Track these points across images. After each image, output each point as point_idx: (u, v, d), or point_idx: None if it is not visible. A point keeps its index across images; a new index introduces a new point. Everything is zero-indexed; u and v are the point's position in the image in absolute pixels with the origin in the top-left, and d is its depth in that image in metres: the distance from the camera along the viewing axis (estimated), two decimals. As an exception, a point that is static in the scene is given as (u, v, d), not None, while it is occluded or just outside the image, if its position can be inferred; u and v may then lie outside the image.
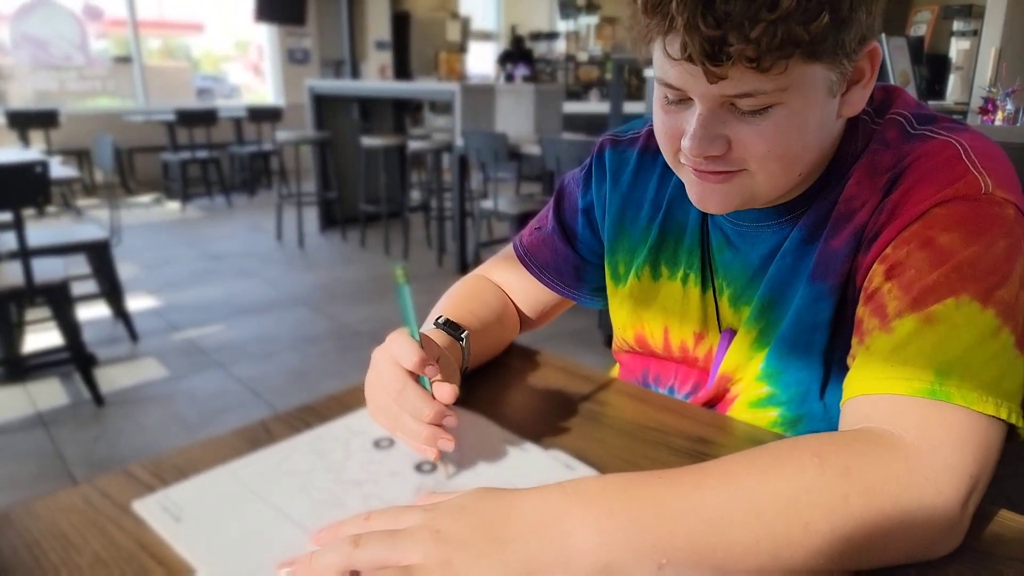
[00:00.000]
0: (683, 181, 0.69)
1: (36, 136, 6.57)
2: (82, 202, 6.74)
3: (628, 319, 0.85)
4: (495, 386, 0.80)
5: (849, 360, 0.61)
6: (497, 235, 5.07)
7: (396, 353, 0.62)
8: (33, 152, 4.27)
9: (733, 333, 0.76)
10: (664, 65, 0.60)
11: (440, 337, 0.73)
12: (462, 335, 0.74)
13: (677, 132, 0.64)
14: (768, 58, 0.53)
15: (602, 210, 0.86)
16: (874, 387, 0.54)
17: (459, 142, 4.24)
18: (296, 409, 0.73)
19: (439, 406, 0.60)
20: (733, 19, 0.52)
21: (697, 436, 0.68)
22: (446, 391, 0.61)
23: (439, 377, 0.63)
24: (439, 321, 0.76)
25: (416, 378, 0.62)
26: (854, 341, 0.61)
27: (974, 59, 3.61)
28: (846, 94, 0.62)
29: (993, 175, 0.59)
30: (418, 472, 0.62)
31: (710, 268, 0.78)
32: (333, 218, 5.66)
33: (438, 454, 0.61)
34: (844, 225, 0.65)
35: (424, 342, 0.62)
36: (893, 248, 0.60)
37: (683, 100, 0.62)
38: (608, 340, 3.52)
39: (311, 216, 5.66)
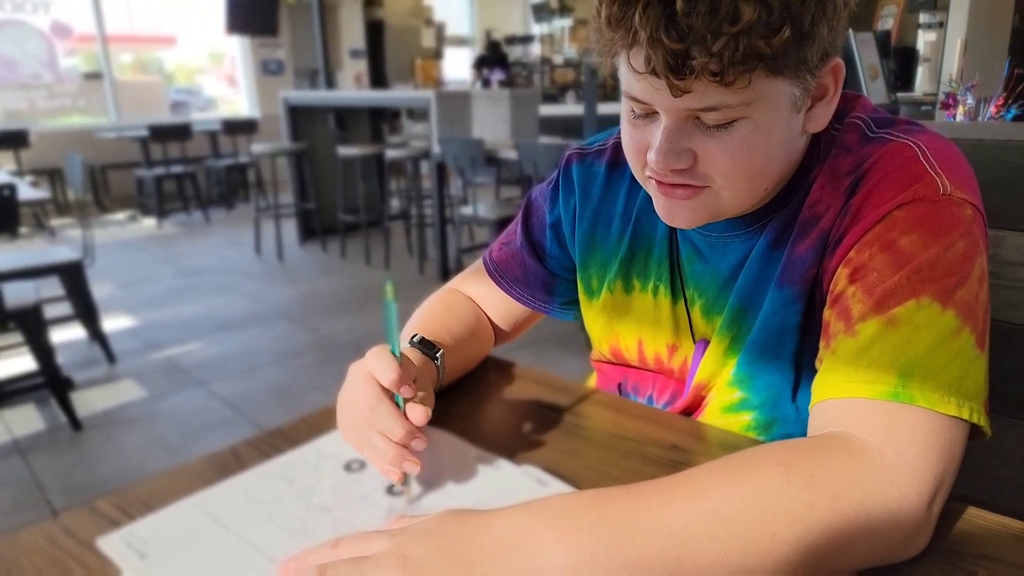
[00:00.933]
0: (650, 195, 0.70)
1: (6, 157, 6.48)
2: (55, 221, 6.64)
3: (603, 332, 0.85)
4: (469, 401, 0.79)
5: (817, 363, 0.62)
6: (478, 240, 5.06)
7: (374, 369, 0.61)
8: (0, 174, 4.20)
9: (707, 343, 0.76)
10: (630, 79, 0.60)
11: (415, 356, 0.73)
12: (437, 354, 0.74)
13: (644, 146, 0.64)
14: (731, 72, 0.54)
15: (571, 225, 0.85)
16: (839, 391, 0.55)
17: (436, 149, 4.23)
18: (266, 433, 0.72)
19: (410, 427, 0.60)
20: (696, 32, 0.52)
21: (670, 444, 0.68)
22: (418, 413, 0.60)
23: (414, 397, 0.62)
24: (414, 340, 0.76)
25: (391, 396, 0.61)
26: (821, 344, 0.62)
27: (941, 50, 3.66)
28: (811, 110, 0.62)
29: (951, 176, 0.60)
30: (389, 495, 0.61)
31: (680, 279, 0.78)
32: (312, 229, 5.62)
33: (401, 476, 0.60)
34: (809, 230, 0.66)
35: (403, 361, 0.62)
36: (856, 251, 0.60)
37: (649, 114, 0.62)
38: (591, 344, 3.52)
39: (290, 228, 5.62)
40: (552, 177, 0.88)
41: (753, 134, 0.59)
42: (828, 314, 0.62)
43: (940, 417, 0.51)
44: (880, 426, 0.51)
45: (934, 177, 0.59)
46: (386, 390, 0.61)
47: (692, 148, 0.61)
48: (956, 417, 0.51)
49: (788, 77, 0.57)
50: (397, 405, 0.61)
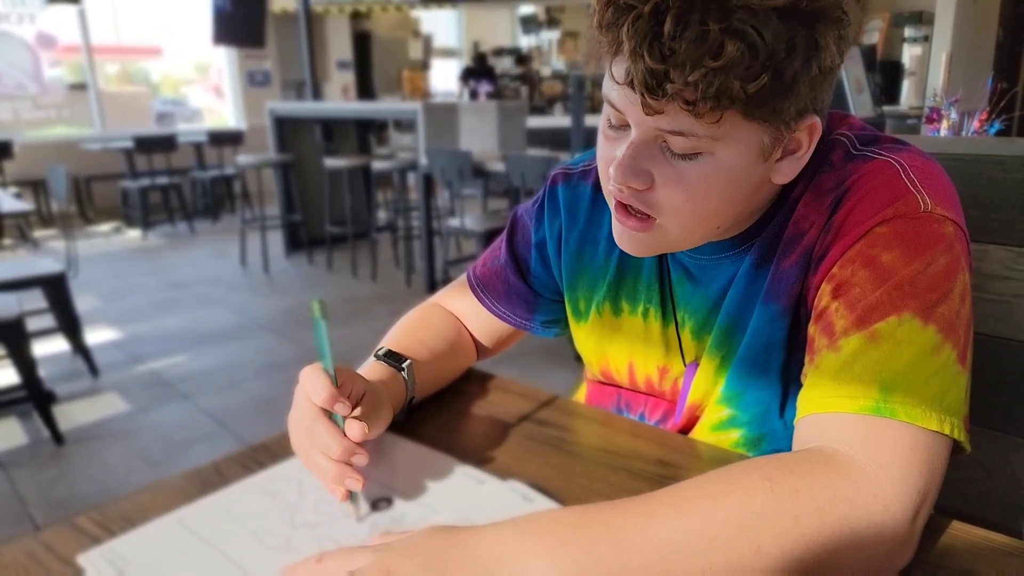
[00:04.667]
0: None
1: (-10, 168, 6.42)
2: (39, 233, 6.58)
3: (593, 354, 0.85)
4: (454, 415, 0.79)
5: (802, 378, 0.62)
6: (465, 252, 5.06)
7: (307, 388, 0.60)
8: (-15, 185, 4.16)
9: (697, 365, 0.76)
10: (610, 84, 0.61)
11: (381, 369, 0.73)
12: (403, 364, 0.73)
13: (613, 159, 0.64)
14: (704, 104, 0.54)
15: (556, 247, 0.85)
16: (823, 406, 0.55)
17: (423, 161, 4.24)
18: (249, 448, 0.71)
19: (347, 443, 0.59)
20: (677, 57, 0.52)
21: (657, 459, 0.68)
22: (355, 429, 0.59)
23: (353, 413, 0.61)
24: (379, 352, 0.75)
25: (329, 414, 0.61)
26: (807, 360, 0.62)
27: (926, 64, 3.71)
28: (780, 161, 0.62)
29: (932, 193, 0.60)
30: (373, 510, 0.61)
31: (672, 302, 0.78)
32: (298, 241, 5.60)
33: (346, 494, 0.60)
34: (794, 247, 0.66)
35: (341, 377, 0.61)
36: (839, 267, 0.61)
37: (623, 127, 0.63)
38: (579, 357, 3.52)
39: (276, 240, 5.59)
40: (538, 197, 0.88)
41: (714, 172, 0.60)
42: (812, 329, 0.62)
43: (922, 432, 0.51)
44: (863, 440, 0.51)
45: (915, 194, 0.60)
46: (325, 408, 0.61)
47: (652, 172, 0.61)
48: (938, 432, 0.51)
49: (761, 123, 0.57)
50: (337, 423, 0.60)
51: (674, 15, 0.52)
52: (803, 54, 0.54)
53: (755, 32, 0.51)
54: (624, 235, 0.67)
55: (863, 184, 0.62)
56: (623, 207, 0.65)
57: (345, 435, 0.59)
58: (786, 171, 0.63)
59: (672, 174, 0.60)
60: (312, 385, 0.60)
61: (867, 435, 0.51)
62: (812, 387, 0.57)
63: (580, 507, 0.50)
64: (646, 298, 0.78)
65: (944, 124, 1.66)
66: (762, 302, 0.69)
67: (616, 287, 0.80)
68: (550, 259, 0.86)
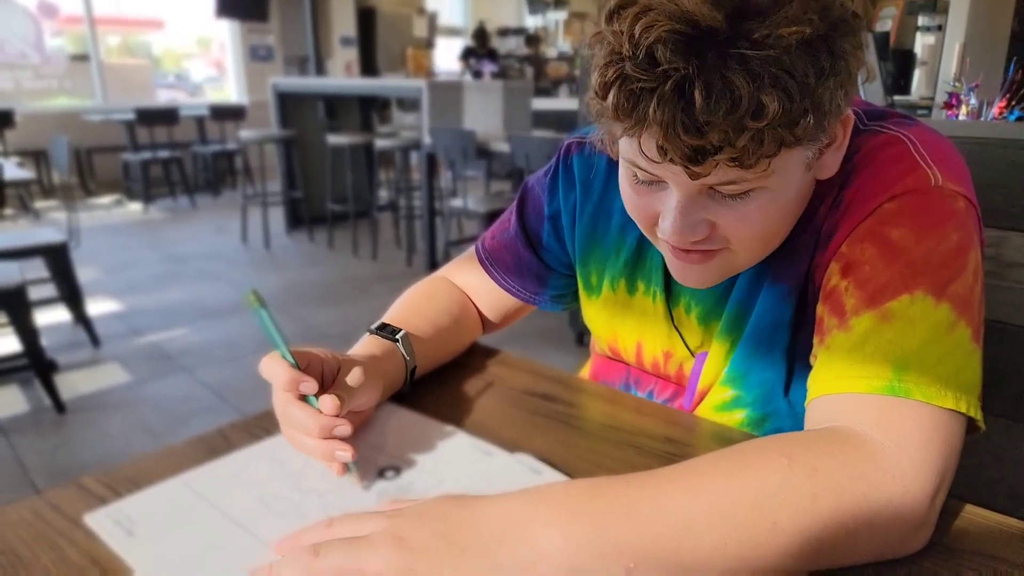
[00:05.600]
0: (662, 253, 0.68)
1: (-9, 137, 6.39)
2: (40, 204, 6.56)
3: (603, 330, 0.84)
4: (458, 388, 0.79)
5: (812, 359, 0.61)
6: (467, 233, 5.05)
7: (269, 379, 0.60)
8: (-14, 153, 4.14)
9: (705, 355, 0.75)
10: (635, 153, 0.57)
11: (374, 343, 0.72)
12: (397, 336, 0.73)
13: (652, 213, 0.63)
14: (753, 158, 0.52)
15: (571, 219, 0.83)
16: (835, 386, 0.54)
17: (427, 140, 4.21)
18: (255, 416, 0.71)
19: (324, 420, 0.58)
20: (715, 127, 0.49)
21: (664, 436, 0.68)
22: (328, 403, 0.58)
23: (318, 391, 0.60)
24: (372, 327, 0.75)
25: (302, 396, 0.60)
26: (815, 340, 0.61)
27: (939, 54, 3.67)
28: (820, 158, 0.60)
29: (943, 168, 0.59)
30: (381, 479, 0.61)
31: (680, 285, 0.76)
32: (300, 218, 5.58)
33: (342, 467, 0.59)
34: (803, 226, 0.65)
35: (302, 360, 0.60)
36: (848, 245, 0.60)
37: (656, 181, 0.60)
38: (579, 338, 3.52)
39: (277, 216, 5.57)
40: (550, 167, 0.86)
41: (770, 202, 0.58)
42: (821, 309, 0.61)
43: (938, 411, 0.50)
44: (879, 421, 0.50)
45: (926, 169, 0.59)
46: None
47: (708, 218, 0.59)
48: (954, 410, 0.51)
49: (806, 146, 0.55)
50: (311, 403, 0.60)
51: (700, 87, 0.48)
52: (831, 72, 0.51)
53: (786, 74, 0.49)
54: (685, 270, 0.65)
55: (872, 159, 0.61)
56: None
57: (321, 412, 0.59)
58: (829, 165, 0.61)
59: (730, 215, 0.59)
60: (272, 374, 0.60)
61: (883, 415, 0.50)
62: (823, 368, 0.57)
63: (592, 479, 0.49)
64: (656, 280, 0.77)
65: (963, 110, 1.64)
66: (769, 282, 0.68)
67: (634, 265, 0.79)
68: (564, 232, 0.84)
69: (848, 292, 0.58)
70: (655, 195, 0.61)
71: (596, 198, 0.81)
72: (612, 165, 0.79)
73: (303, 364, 0.60)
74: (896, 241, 0.57)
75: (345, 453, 0.58)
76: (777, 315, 0.67)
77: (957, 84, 1.75)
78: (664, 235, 0.61)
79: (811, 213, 0.65)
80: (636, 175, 0.61)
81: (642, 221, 0.65)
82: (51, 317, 3.39)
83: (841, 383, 0.54)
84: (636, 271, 0.79)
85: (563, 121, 5.63)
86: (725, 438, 0.68)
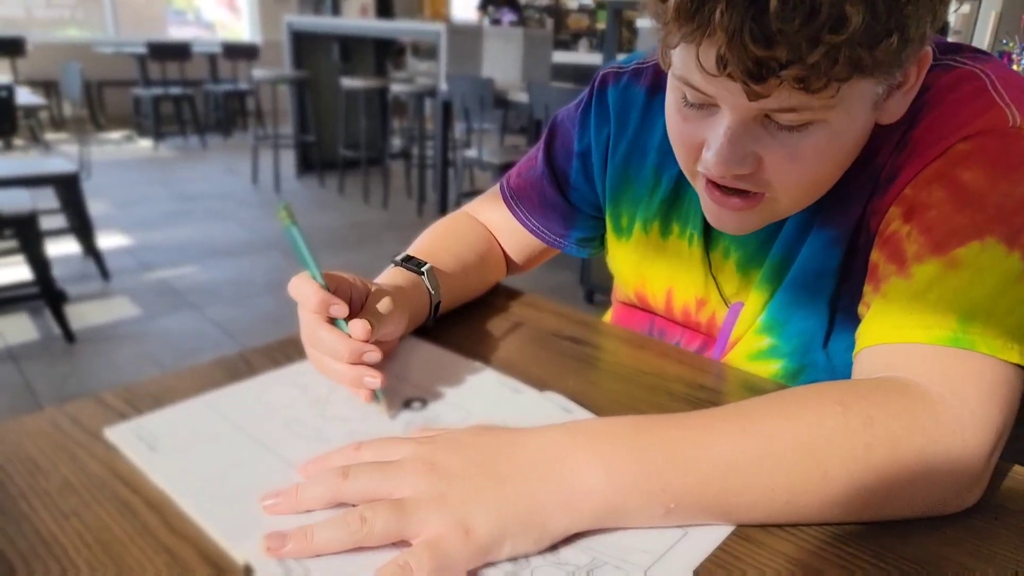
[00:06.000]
0: (697, 193, 0.64)
1: (2, 66, 6.30)
2: (51, 136, 6.50)
3: (630, 275, 0.81)
4: (484, 327, 0.77)
5: (862, 308, 0.59)
6: (479, 185, 4.99)
7: (297, 299, 0.57)
8: (-3, 79, 4.09)
9: (740, 306, 0.72)
10: (690, 67, 0.51)
11: (399, 274, 0.69)
12: (423, 269, 0.70)
13: (696, 142, 0.57)
14: (822, 81, 0.47)
15: (603, 156, 0.78)
16: (892, 336, 0.52)
17: (443, 87, 4.13)
18: (277, 342, 0.70)
19: (354, 344, 0.56)
20: (788, 38, 0.44)
21: (697, 383, 0.66)
22: (358, 328, 0.56)
23: (349, 314, 0.57)
24: (397, 259, 0.72)
25: (331, 319, 0.57)
26: (867, 289, 0.58)
27: (973, 23, 3.56)
28: (887, 100, 0.55)
29: (1021, 107, 0.55)
30: (407, 410, 0.59)
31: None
32: (311, 163, 5.53)
33: (369, 394, 0.57)
34: (860, 167, 0.61)
35: (332, 282, 0.57)
36: (912, 188, 0.56)
37: (706, 105, 0.55)
38: (589, 296, 3.50)
39: (288, 160, 5.52)
40: (582, 99, 0.81)
41: (828, 140, 0.53)
42: (876, 256, 0.58)
43: (1003, 365, 0.48)
44: (940, 372, 0.48)
45: (1004, 108, 0.55)
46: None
47: (757, 152, 0.54)
48: (1018, 366, 0.48)
49: (879, 77, 0.50)
50: (340, 327, 0.57)
51: None
52: None
53: None
54: (722, 215, 0.61)
55: (944, 96, 0.57)
56: (718, 186, 0.58)
57: (351, 336, 0.56)
58: (894, 109, 0.56)
59: (782, 151, 0.54)
60: (301, 294, 0.57)
61: (945, 367, 0.48)
62: (878, 316, 0.54)
63: (637, 416, 0.48)
64: (693, 223, 0.73)
65: (1015, 69, 1.58)
66: (817, 227, 0.64)
67: (670, 206, 0.75)
68: (594, 170, 0.80)
69: (911, 238, 0.54)
70: (703, 121, 0.56)
71: (631, 134, 0.76)
72: (650, 98, 0.75)
73: (333, 287, 0.58)
74: (967, 184, 0.53)
75: (375, 379, 0.56)
76: (823, 262, 0.64)
77: (1010, 42, 1.68)
78: (705, 166, 0.56)
79: (870, 155, 0.61)
80: (686, 96, 0.56)
81: (684, 153, 0.60)
82: (62, 248, 3.38)
83: (898, 332, 0.51)
84: (672, 212, 0.75)
85: (581, 76, 5.52)
86: (759, 389, 0.66)
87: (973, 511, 0.48)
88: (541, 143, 0.84)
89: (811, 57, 0.45)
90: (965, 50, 0.61)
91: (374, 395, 0.58)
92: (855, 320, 0.58)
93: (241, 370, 0.64)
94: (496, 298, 0.84)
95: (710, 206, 0.62)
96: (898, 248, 0.55)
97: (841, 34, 0.44)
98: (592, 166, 0.80)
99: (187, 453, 0.51)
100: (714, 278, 0.74)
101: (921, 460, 0.44)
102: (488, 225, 0.86)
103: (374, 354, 0.56)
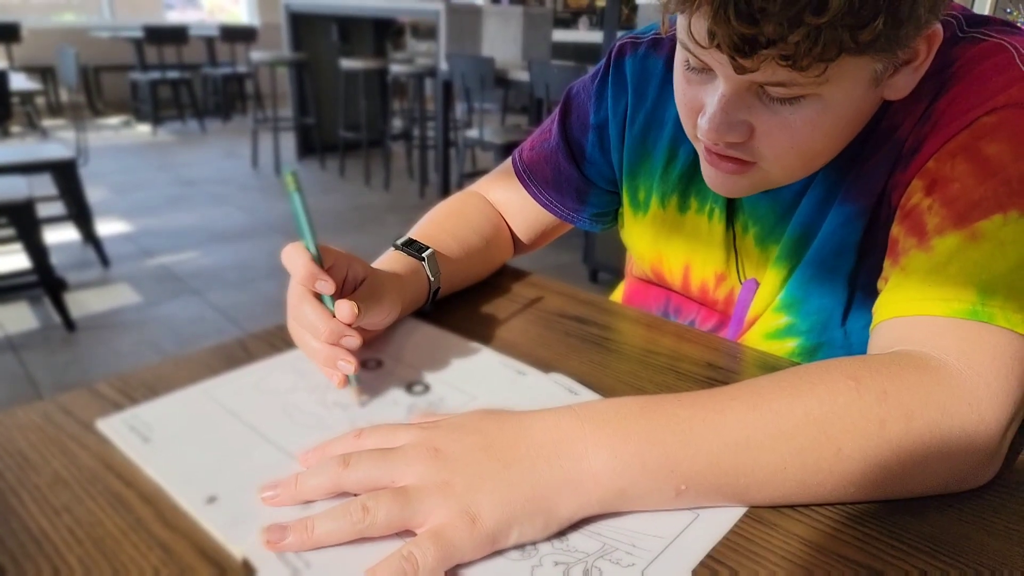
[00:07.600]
0: (698, 155, 0.64)
1: (-4, 51, 6.25)
2: (47, 122, 6.46)
3: (647, 250, 0.79)
4: (486, 308, 0.75)
5: (880, 282, 0.57)
6: (481, 166, 4.95)
7: (288, 267, 0.55)
8: (-8, 65, 4.05)
9: (756, 283, 0.71)
10: (687, 37, 0.52)
11: (398, 259, 0.67)
12: (424, 254, 0.68)
13: (697, 106, 0.58)
14: (805, 61, 0.46)
15: (620, 129, 0.77)
16: (910, 309, 0.50)
17: (443, 66, 4.09)
18: (277, 327, 0.68)
19: (335, 324, 0.53)
20: (770, 16, 0.44)
21: (706, 362, 0.64)
22: (344, 309, 0.53)
23: (337, 293, 0.55)
24: (398, 243, 0.70)
25: (318, 295, 0.55)
26: (887, 263, 0.57)
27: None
28: (893, 76, 0.54)
29: None
30: (409, 394, 0.57)
31: (738, 202, 0.71)
32: (311, 145, 5.49)
33: (342, 379, 0.55)
34: (883, 140, 0.60)
35: (327, 257, 0.55)
36: (935, 161, 0.55)
37: (707, 70, 0.55)
38: (594, 275, 3.48)
39: (288, 143, 5.48)
40: (598, 70, 0.79)
41: (821, 114, 0.53)
42: (896, 230, 0.57)
43: (1021, 339, 0.47)
44: (957, 345, 0.46)
45: None
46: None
47: (749, 121, 0.55)
48: None
49: (874, 56, 0.49)
50: (326, 304, 0.55)
51: None
52: None
53: None
54: (717, 177, 0.61)
55: (971, 69, 0.56)
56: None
57: (335, 316, 0.54)
58: (901, 85, 0.55)
59: (773, 121, 0.54)
60: (291, 263, 0.54)
61: (962, 340, 0.47)
62: (896, 289, 0.52)
63: (644, 397, 0.46)
64: (713, 197, 0.72)
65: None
66: (839, 202, 0.63)
67: (688, 180, 0.73)
68: (610, 142, 0.78)
69: (932, 211, 0.53)
70: (703, 87, 0.57)
71: (649, 105, 0.74)
72: (669, 69, 0.73)
73: (328, 262, 0.55)
74: (992, 157, 0.51)
75: (349, 364, 0.53)
76: (844, 237, 0.63)
77: (1014, 11, 1.64)
78: (701, 131, 0.57)
79: (893, 128, 0.59)
80: (688, 61, 0.56)
81: (687, 115, 0.61)
82: (60, 236, 3.36)
83: (917, 305, 0.50)
84: (691, 186, 0.73)
85: (582, 55, 5.46)
86: (771, 366, 0.64)
87: (989, 487, 0.47)
88: (556, 116, 0.82)
89: (792, 37, 0.45)
90: (993, 22, 0.59)
91: (347, 380, 0.56)
92: (874, 296, 0.57)
93: (239, 356, 0.63)
94: (499, 278, 0.82)
95: (707, 169, 0.62)
96: (919, 221, 0.54)
97: (823, 16, 0.44)
98: (609, 139, 0.78)
99: (182, 444, 0.49)
100: (736, 251, 0.72)
101: (936, 435, 0.43)
102: (497, 204, 0.84)
103: (353, 340, 0.54)
